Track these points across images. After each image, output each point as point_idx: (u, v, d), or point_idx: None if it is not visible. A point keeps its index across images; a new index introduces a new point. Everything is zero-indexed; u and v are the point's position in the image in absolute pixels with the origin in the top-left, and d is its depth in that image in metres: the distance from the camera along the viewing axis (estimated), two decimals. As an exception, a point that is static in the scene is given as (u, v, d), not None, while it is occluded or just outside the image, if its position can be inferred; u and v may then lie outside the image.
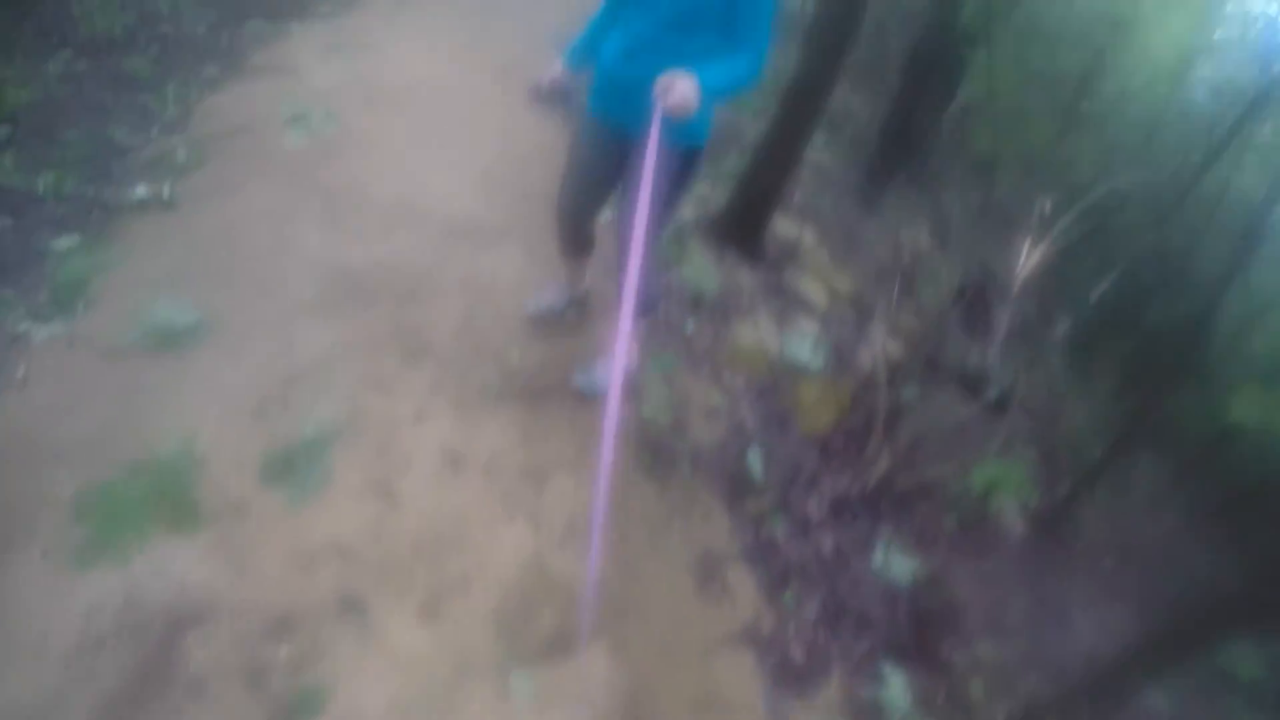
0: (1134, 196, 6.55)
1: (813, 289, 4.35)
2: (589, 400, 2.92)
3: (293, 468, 2.45)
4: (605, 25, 2.45)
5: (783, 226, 4.78)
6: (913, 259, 6.01)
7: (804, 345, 3.88)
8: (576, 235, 2.91)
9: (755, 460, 3.22)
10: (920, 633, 3.08)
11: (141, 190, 3.67)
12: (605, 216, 2.93)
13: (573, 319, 3.27)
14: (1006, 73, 7.11)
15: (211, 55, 5.61)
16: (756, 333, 3.78)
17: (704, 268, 3.92)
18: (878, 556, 3.23)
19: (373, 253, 3.39)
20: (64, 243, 3.28)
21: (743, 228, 4.31)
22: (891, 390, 3.80)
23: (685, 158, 2.38)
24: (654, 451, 2.99)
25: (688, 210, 4.41)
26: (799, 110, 4.16)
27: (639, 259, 1.75)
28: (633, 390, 3.08)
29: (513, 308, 3.26)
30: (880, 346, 4.19)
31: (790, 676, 2.63)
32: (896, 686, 2.80)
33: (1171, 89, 11.24)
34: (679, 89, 1.93)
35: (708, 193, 4.75)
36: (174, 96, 4.81)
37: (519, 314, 3.23)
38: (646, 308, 2.84)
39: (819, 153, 6.47)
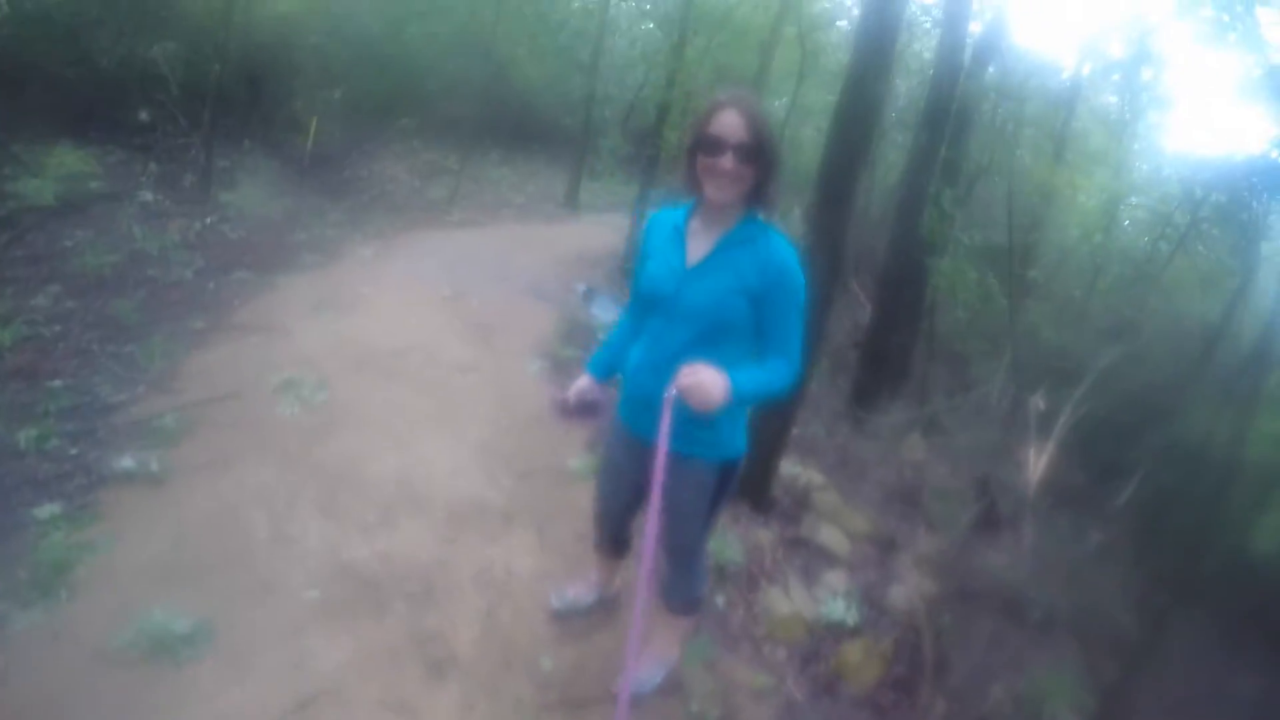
0: (1123, 375, 6.61)
1: (832, 537, 4.20)
2: (635, 706, 2.64)
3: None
4: (628, 336, 2.37)
5: (785, 467, 4.70)
6: (915, 475, 5.94)
7: (837, 603, 3.69)
8: (613, 538, 2.75)
9: (812, 741, 2.96)
10: None
11: (129, 461, 3.48)
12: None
13: (600, 615, 3.03)
14: (962, 268, 7.38)
15: (198, 305, 5.60)
16: (789, 599, 3.58)
17: (724, 536, 3.76)
18: (948, 804, 2.97)
19: (377, 545, 3.17)
20: (46, 511, 3.06)
21: (752, 481, 4.20)
22: (932, 629, 3.67)
23: (723, 471, 2.27)
24: (707, 751, 2.70)
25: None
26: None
27: (650, 562, 1.72)
28: (676, 686, 2.81)
29: (534, 604, 3.02)
30: (914, 588, 4.05)
31: None
32: None
33: (1106, 234, 11.84)
34: (701, 376, 1.84)
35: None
36: (160, 350, 4.72)
37: (543, 611, 2.99)
38: (691, 606, 2.65)
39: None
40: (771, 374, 2.03)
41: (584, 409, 2.41)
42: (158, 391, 4.24)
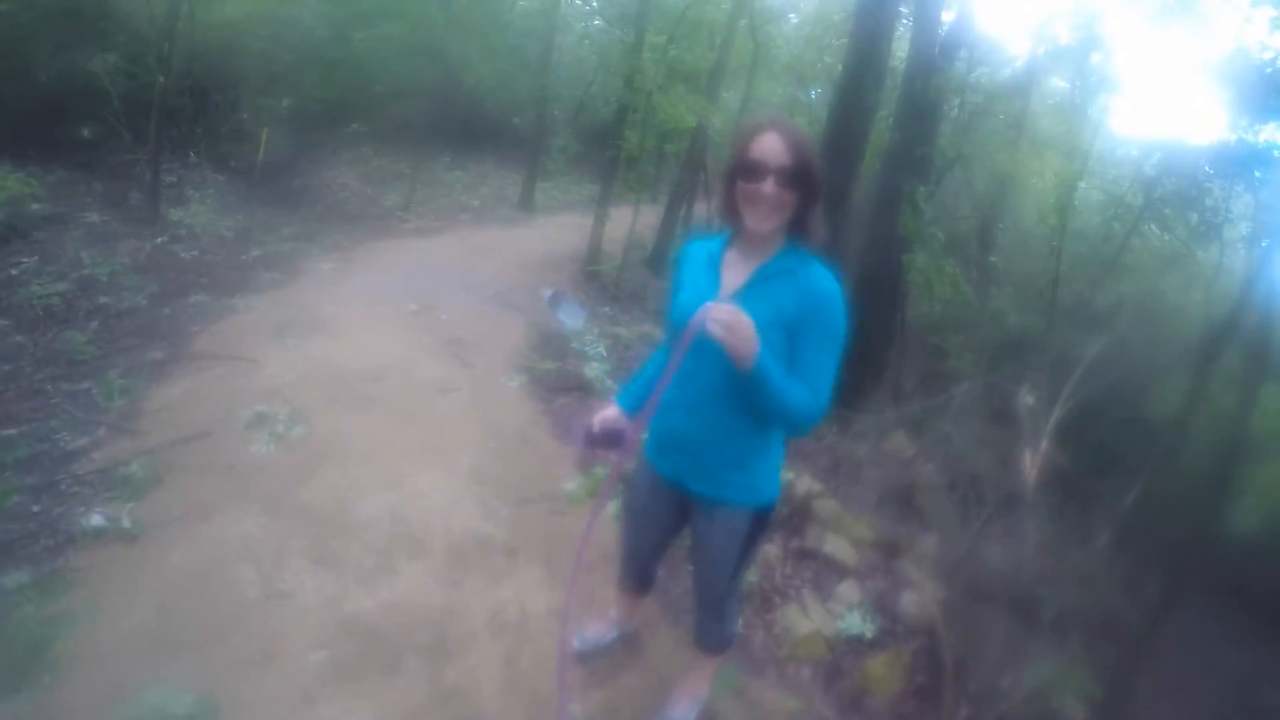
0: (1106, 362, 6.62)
1: (838, 546, 4.12)
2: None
3: None
4: (660, 369, 2.19)
5: (780, 474, 4.61)
6: (904, 473, 5.90)
7: (853, 616, 3.63)
8: (639, 577, 2.62)
9: (846, 760, 2.89)
10: None
11: (98, 518, 3.24)
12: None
13: (622, 653, 2.89)
14: (938, 262, 7.37)
15: (155, 334, 5.32)
16: (807, 617, 3.50)
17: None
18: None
19: (379, 595, 2.97)
20: (14, 580, 2.82)
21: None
22: (950, 635, 3.61)
23: (756, 518, 2.14)
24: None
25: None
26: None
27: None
28: (709, 721, 2.70)
29: (554, 646, 2.85)
30: (928, 594, 3.99)
31: None
32: None
33: (1062, 218, 11.92)
34: (742, 317, 1.66)
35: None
36: (119, 386, 4.46)
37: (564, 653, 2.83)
38: (723, 646, 2.53)
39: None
40: (796, 388, 1.84)
41: (608, 439, 2.21)
42: (120, 434, 3.99)
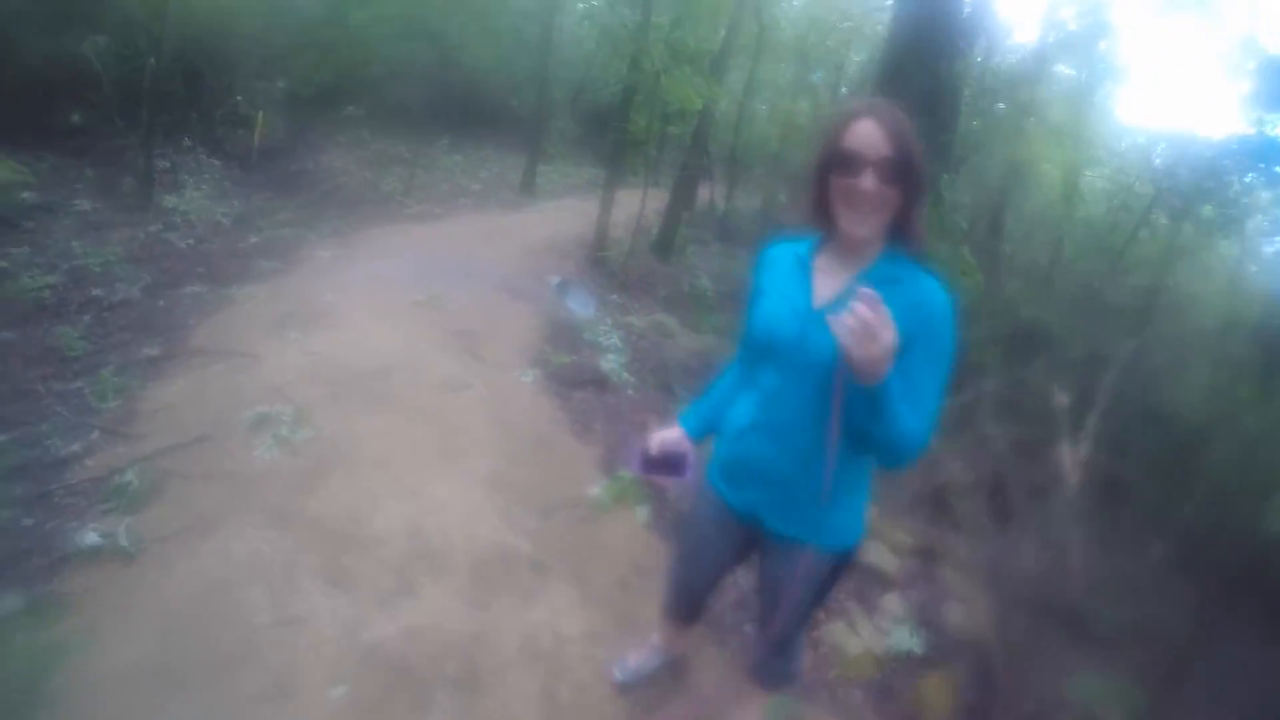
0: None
1: (880, 555, 3.94)
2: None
3: None
4: (734, 388, 1.95)
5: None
6: (932, 470, 5.71)
7: (901, 631, 3.44)
8: (689, 609, 2.38)
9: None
10: None
11: (93, 535, 2.99)
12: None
13: (666, 681, 2.68)
14: (960, 252, 7.17)
15: (150, 327, 5.07)
16: (856, 634, 3.32)
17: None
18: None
19: (400, 620, 2.74)
20: (6, 605, 2.58)
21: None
22: (1002, 651, 3.46)
23: (836, 561, 1.88)
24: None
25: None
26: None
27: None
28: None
29: (593, 675, 2.65)
30: (977, 607, 3.82)
31: None
32: None
33: (1069, 208, 11.70)
34: (889, 331, 1.35)
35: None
36: (113, 385, 4.21)
37: (605, 683, 2.62)
38: (784, 682, 2.31)
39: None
40: (909, 418, 1.53)
41: (668, 465, 1.95)
42: (114, 438, 3.73)
